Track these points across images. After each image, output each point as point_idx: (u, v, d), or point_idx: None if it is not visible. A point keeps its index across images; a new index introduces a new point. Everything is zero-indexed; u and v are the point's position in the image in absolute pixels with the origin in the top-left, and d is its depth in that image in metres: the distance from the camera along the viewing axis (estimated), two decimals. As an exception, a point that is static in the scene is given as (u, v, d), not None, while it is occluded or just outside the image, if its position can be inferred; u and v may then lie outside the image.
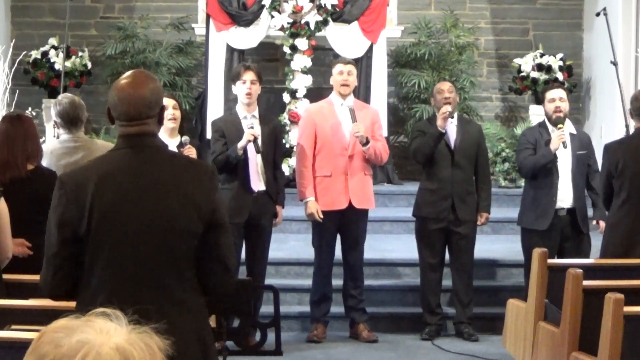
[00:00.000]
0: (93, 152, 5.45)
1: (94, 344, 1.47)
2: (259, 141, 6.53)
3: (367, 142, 6.80)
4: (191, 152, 6.17)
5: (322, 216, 6.79)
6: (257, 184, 6.60)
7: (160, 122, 3.18)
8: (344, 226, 6.93)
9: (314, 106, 7.29)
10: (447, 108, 6.92)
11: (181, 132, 6.37)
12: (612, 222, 6.07)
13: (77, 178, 3.07)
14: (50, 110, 6.12)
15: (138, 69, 3.49)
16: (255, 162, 6.60)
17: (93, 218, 2.98)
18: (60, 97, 6.04)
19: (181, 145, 6.19)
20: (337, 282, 7.07)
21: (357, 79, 7.34)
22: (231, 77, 6.87)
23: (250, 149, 6.53)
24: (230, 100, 9.46)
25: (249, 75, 6.63)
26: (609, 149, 6.22)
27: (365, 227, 7.04)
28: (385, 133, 8.52)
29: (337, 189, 6.83)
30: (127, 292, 2.95)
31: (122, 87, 3.15)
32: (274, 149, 6.72)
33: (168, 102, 6.29)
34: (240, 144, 6.49)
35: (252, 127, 6.53)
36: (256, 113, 6.71)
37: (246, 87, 6.61)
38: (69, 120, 5.72)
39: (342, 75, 6.93)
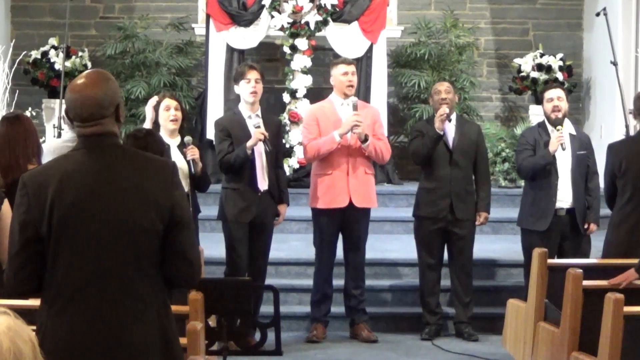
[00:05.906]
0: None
1: None
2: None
3: (367, 139, 6.80)
4: (194, 152, 6.18)
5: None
6: (262, 183, 6.61)
7: (118, 120, 3.14)
8: (345, 226, 6.92)
9: (316, 105, 7.30)
10: (444, 110, 6.92)
11: (181, 132, 6.38)
12: (615, 222, 6.02)
13: (38, 179, 3.08)
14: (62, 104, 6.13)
15: (94, 69, 3.46)
16: (261, 162, 6.60)
17: (53, 218, 3.01)
18: None
19: (183, 145, 6.19)
20: (337, 282, 7.07)
21: (357, 79, 7.34)
22: (234, 76, 6.86)
23: (256, 148, 6.53)
24: (230, 100, 9.47)
25: (254, 75, 6.64)
26: (612, 148, 6.17)
27: (367, 226, 7.02)
28: (385, 133, 8.51)
29: (338, 187, 6.83)
30: (90, 288, 2.99)
31: (73, 89, 3.11)
32: (276, 147, 6.73)
33: (170, 102, 6.32)
34: (249, 144, 6.49)
35: (259, 127, 6.53)
36: (259, 112, 6.71)
37: (251, 86, 6.61)
38: None
39: (346, 76, 6.92)
